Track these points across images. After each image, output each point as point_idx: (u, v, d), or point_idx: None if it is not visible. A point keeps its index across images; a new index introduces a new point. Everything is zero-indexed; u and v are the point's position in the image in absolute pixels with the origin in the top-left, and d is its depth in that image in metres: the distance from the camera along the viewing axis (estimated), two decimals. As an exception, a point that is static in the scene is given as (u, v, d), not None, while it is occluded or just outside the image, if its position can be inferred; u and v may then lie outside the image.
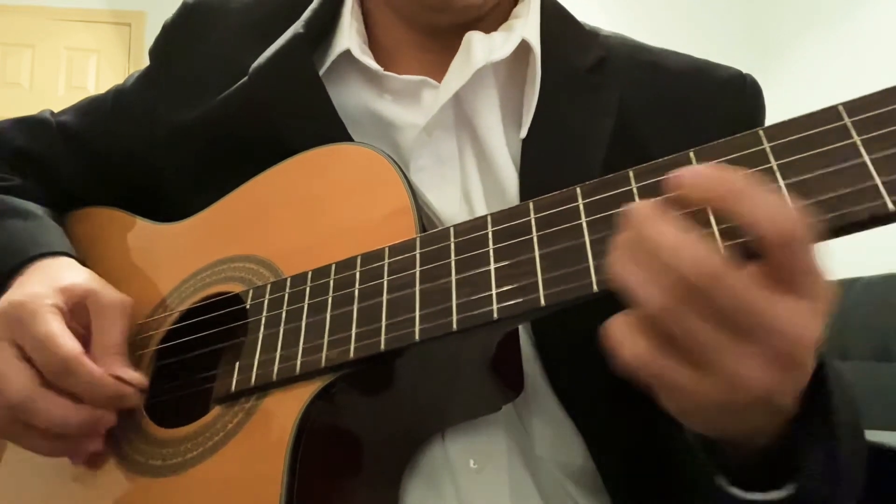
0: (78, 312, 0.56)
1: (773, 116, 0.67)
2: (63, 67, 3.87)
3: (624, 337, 0.36)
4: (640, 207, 0.36)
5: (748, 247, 0.35)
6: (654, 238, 0.35)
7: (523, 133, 0.60)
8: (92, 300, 0.56)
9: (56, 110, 0.78)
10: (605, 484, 0.56)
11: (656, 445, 0.56)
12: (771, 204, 0.34)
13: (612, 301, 0.40)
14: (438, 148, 0.61)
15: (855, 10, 3.47)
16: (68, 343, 0.52)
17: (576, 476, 0.57)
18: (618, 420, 0.55)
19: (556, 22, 0.65)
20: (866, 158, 0.35)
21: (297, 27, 0.65)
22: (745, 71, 0.67)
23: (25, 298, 0.54)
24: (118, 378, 0.53)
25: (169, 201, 0.67)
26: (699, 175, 0.36)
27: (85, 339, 0.55)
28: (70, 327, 0.54)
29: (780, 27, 3.88)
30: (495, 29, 0.64)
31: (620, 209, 0.40)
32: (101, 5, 3.92)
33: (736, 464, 0.44)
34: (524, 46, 0.61)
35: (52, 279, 0.57)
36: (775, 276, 0.34)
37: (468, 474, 0.53)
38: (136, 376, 0.54)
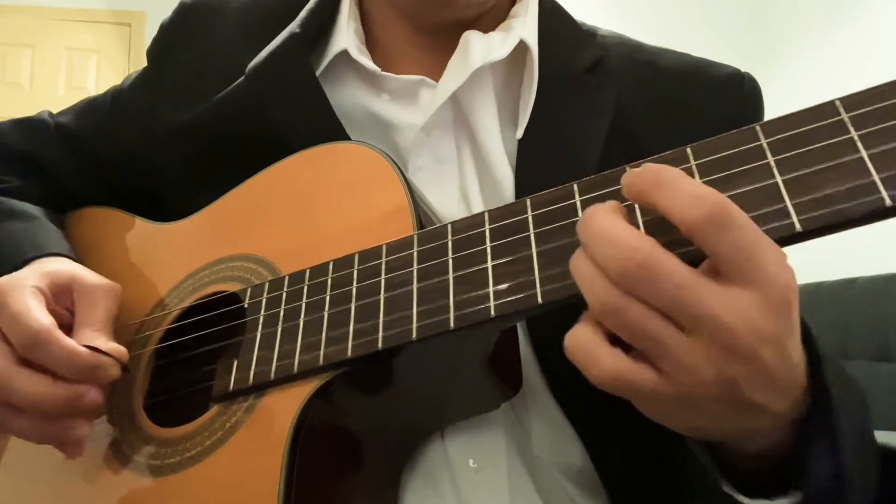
0: (62, 297, 0.56)
1: (772, 116, 0.67)
2: (63, 67, 3.87)
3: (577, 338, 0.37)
4: (591, 206, 0.37)
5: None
6: (593, 232, 0.35)
7: (520, 133, 0.60)
8: (77, 283, 0.56)
9: (56, 110, 0.78)
10: (603, 484, 0.56)
11: (654, 446, 0.56)
12: (684, 192, 0.34)
13: None
14: (437, 148, 0.61)
15: (855, 10, 3.47)
16: (38, 315, 0.51)
17: (574, 476, 0.57)
18: (615, 421, 0.55)
19: (553, 22, 0.65)
20: (864, 154, 0.34)
21: (293, 27, 0.65)
22: (744, 70, 0.67)
23: (5, 280, 0.54)
24: (94, 350, 0.51)
25: (168, 201, 0.67)
26: (628, 175, 0.36)
27: (70, 323, 0.54)
28: (55, 311, 0.54)
29: (781, 27, 3.88)
30: (493, 28, 0.64)
31: None
32: (101, 5, 3.92)
33: (743, 470, 0.44)
34: (522, 46, 0.61)
35: (40, 267, 0.57)
36: (710, 264, 0.35)
37: (467, 474, 0.53)
38: (114, 347, 0.52)
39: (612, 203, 0.37)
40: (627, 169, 0.41)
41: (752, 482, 0.44)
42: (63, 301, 0.56)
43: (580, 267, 0.37)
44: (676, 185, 0.34)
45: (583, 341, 0.37)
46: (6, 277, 0.54)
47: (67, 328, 0.53)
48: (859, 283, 2.47)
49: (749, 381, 0.35)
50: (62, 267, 0.58)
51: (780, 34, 3.86)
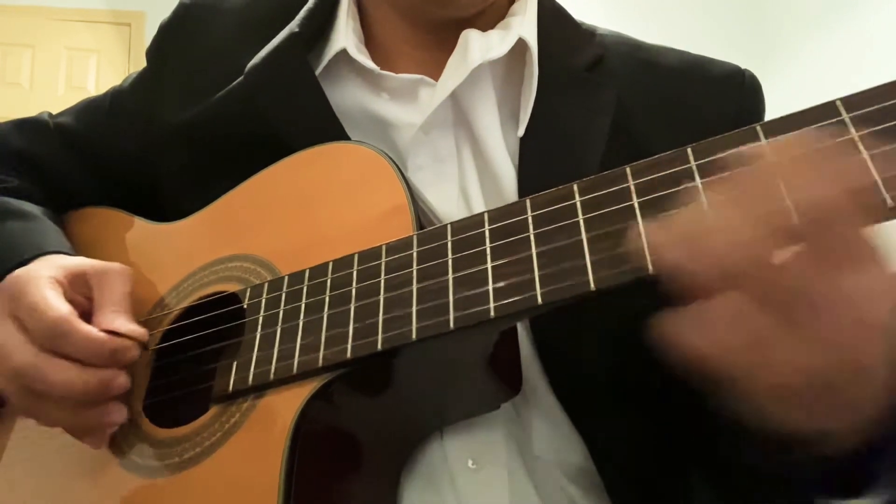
0: (79, 285, 0.56)
1: (771, 114, 0.67)
2: (63, 67, 3.86)
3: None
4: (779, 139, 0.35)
5: None
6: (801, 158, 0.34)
7: (521, 131, 0.60)
8: (91, 270, 0.57)
9: (56, 110, 0.78)
10: (604, 484, 0.56)
11: (657, 447, 0.55)
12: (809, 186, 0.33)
13: (611, 300, 0.39)
14: (436, 146, 0.61)
15: (854, 10, 3.47)
16: (56, 305, 0.51)
17: (575, 476, 0.56)
18: (617, 421, 0.55)
19: (553, 20, 0.65)
20: (864, 154, 0.34)
21: (292, 26, 0.64)
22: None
23: (21, 272, 0.55)
24: (113, 333, 0.52)
25: (167, 201, 0.67)
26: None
27: (89, 310, 0.55)
28: (73, 300, 0.54)
29: (780, 26, 3.87)
30: (492, 27, 0.64)
31: (617, 206, 0.40)
32: (101, 5, 3.92)
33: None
34: (521, 45, 0.61)
35: (51, 262, 0.58)
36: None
37: (466, 474, 0.53)
38: (133, 328, 0.53)
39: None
40: (627, 170, 0.41)
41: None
42: (80, 289, 0.56)
43: (733, 217, 0.34)
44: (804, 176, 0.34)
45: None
46: (21, 270, 0.55)
47: (87, 315, 0.54)
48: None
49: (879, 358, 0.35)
50: (73, 260, 0.58)
51: (779, 33, 3.85)
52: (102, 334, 0.51)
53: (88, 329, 0.51)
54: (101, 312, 0.54)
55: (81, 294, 0.56)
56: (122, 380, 0.52)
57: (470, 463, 0.53)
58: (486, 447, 0.54)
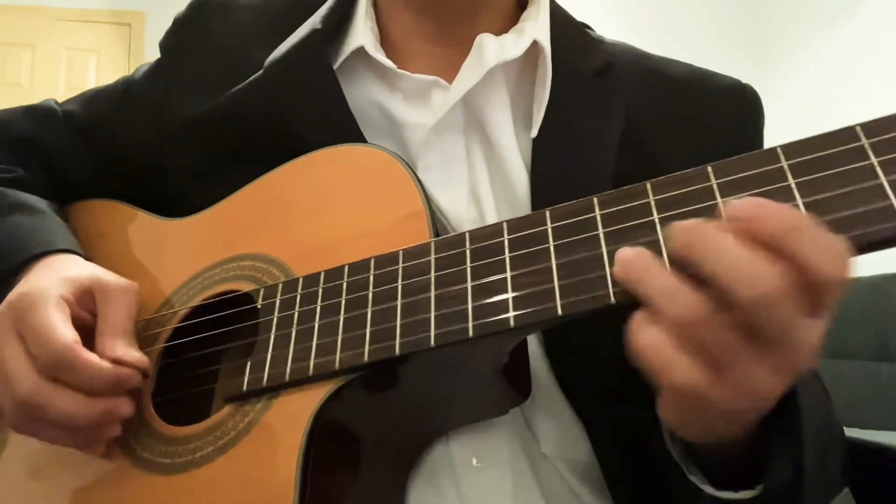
0: (85, 301, 0.56)
1: (771, 117, 0.68)
2: (63, 67, 3.86)
3: (653, 347, 0.36)
4: (695, 220, 0.36)
5: None
6: (718, 248, 0.35)
7: (534, 132, 0.60)
8: (97, 286, 0.56)
9: (57, 106, 0.77)
10: (607, 482, 0.56)
11: (662, 445, 0.56)
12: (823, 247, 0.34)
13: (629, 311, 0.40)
14: (446, 148, 0.61)
15: (854, 11, 3.47)
16: (62, 333, 0.51)
17: (581, 474, 0.57)
18: (624, 419, 0.55)
19: (564, 27, 0.66)
20: (883, 180, 0.35)
21: (314, 23, 0.65)
22: (744, 72, 0.69)
23: (29, 290, 0.54)
24: (117, 361, 0.52)
25: (176, 196, 0.67)
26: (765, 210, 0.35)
27: (92, 325, 0.55)
28: (79, 316, 0.54)
29: (781, 27, 3.88)
30: (505, 32, 0.65)
31: (637, 221, 0.41)
32: (101, 5, 3.91)
33: (714, 464, 0.46)
34: (534, 48, 0.62)
35: (59, 271, 0.57)
36: (815, 298, 0.35)
37: (470, 473, 0.54)
38: (135, 356, 0.53)
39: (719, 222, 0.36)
40: (647, 185, 0.41)
41: (723, 477, 0.46)
42: (86, 304, 0.56)
43: (661, 278, 0.36)
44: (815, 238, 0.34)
45: (659, 347, 0.36)
46: (29, 287, 0.54)
47: (91, 330, 0.54)
48: (859, 283, 2.47)
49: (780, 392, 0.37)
50: (81, 270, 0.57)
51: (780, 34, 3.86)
52: (105, 364, 0.51)
53: (91, 359, 0.51)
54: (104, 336, 0.54)
55: (87, 309, 0.56)
56: (125, 408, 0.52)
57: (474, 461, 0.54)
58: (491, 446, 0.55)
